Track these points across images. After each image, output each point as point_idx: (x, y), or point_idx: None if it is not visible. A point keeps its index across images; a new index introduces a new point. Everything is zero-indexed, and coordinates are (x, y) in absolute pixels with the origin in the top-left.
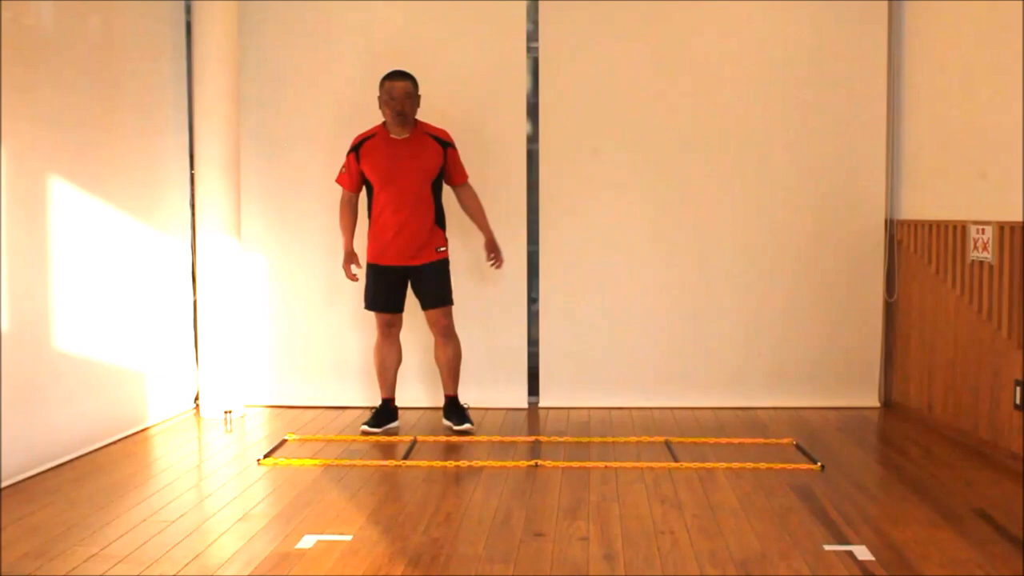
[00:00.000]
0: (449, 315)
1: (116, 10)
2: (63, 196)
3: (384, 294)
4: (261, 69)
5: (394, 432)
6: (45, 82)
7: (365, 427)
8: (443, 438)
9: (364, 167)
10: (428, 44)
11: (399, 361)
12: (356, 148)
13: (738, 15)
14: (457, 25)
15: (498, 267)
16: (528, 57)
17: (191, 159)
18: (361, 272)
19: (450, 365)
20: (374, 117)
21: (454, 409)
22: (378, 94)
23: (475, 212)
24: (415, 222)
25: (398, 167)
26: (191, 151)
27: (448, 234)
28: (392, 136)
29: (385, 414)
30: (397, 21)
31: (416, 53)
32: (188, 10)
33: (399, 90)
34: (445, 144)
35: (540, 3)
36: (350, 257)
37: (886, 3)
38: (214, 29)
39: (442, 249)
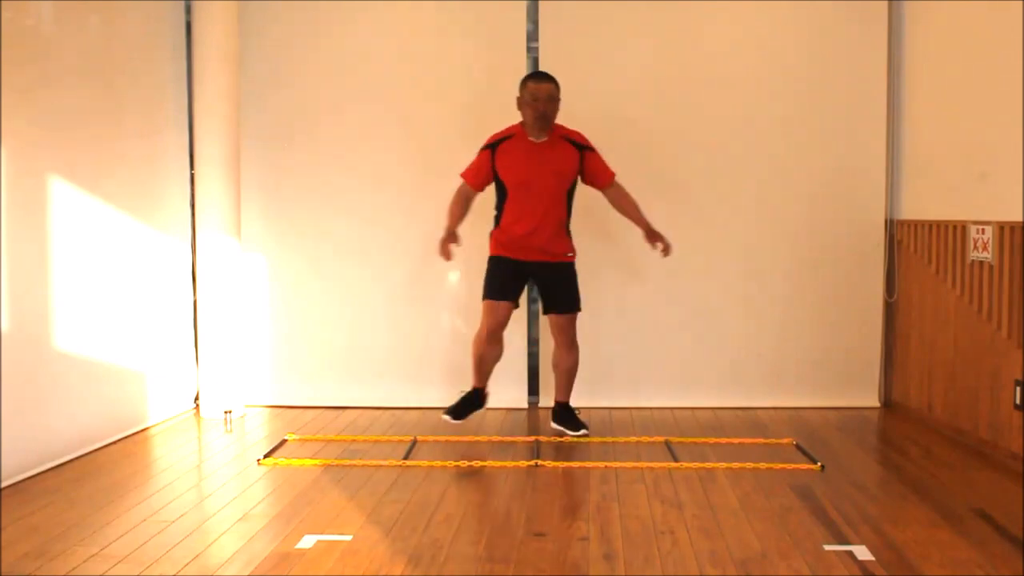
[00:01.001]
0: (575, 322)
1: (116, 10)
2: (63, 196)
3: (511, 283)
4: (261, 69)
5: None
6: (45, 82)
7: (447, 418)
8: (443, 438)
9: (499, 167)
10: (428, 44)
11: (501, 354)
12: (493, 146)
13: (738, 15)
14: (457, 25)
15: (667, 254)
16: (528, 57)
17: (191, 159)
18: (458, 251)
19: (569, 372)
20: (375, 117)
21: (568, 415)
22: (518, 94)
23: (629, 210)
24: (547, 228)
25: (535, 171)
26: (191, 151)
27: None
28: (530, 139)
29: (475, 401)
30: (397, 21)
31: (416, 53)
32: (188, 10)
33: (543, 92)
34: (582, 148)
35: (540, 3)
36: (452, 236)
37: (886, 3)
38: (214, 29)
39: (570, 255)
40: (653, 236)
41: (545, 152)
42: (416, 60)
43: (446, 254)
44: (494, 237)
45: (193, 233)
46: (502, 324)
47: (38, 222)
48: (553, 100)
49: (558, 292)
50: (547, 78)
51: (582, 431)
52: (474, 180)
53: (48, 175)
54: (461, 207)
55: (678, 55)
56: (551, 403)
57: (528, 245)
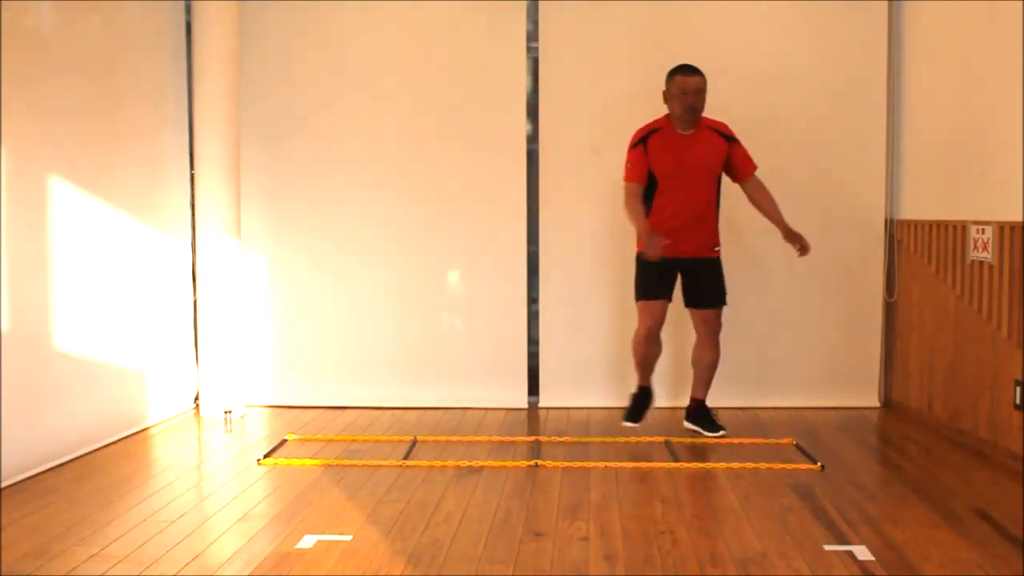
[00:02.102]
0: (719, 317)
1: (116, 10)
2: (63, 196)
3: (662, 280)
4: (261, 69)
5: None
6: (45, 82)
7: (627, 423)
8: (443, 438)
9: (653, 161)
10: (428, 44)
11: (661, 351)
12: (643, 140)
13: (738, 15)
14: (457, 25)
15: (804, 253)
16: (528, 57)
17: (191, 159)
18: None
19: (710, 368)
20: (375, 117)
21: (704, 414)
22: (665, 87)
23: (766, 206)
24: (699, 220)
25: (685, 163)
26: (191, 151)
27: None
28: (678, 131)
29: (645, 400)
30: (397, 21)
31: (416, 53)
32: (188, 10)
33: (692, 85)
34: (729, 138)
35: (540, 3)
36: (655, 233)
37: (886, 3)
38: (214, 29)
39: (717, 248)
40: (792, 236)
41: (693, 144)
42: (416, 60)
43: (658, 249)
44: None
45: (193, 233)
46: (659, 323)
47: (38, 222)
48: (701, 93)
49: (703, 286)
50: (695, 71)
51: (720, 432)
52: (639, 177)
53: (48, 175)
54: (640, 206)
55: (678, 55)
56: (551, 403)
57: (681, 240)
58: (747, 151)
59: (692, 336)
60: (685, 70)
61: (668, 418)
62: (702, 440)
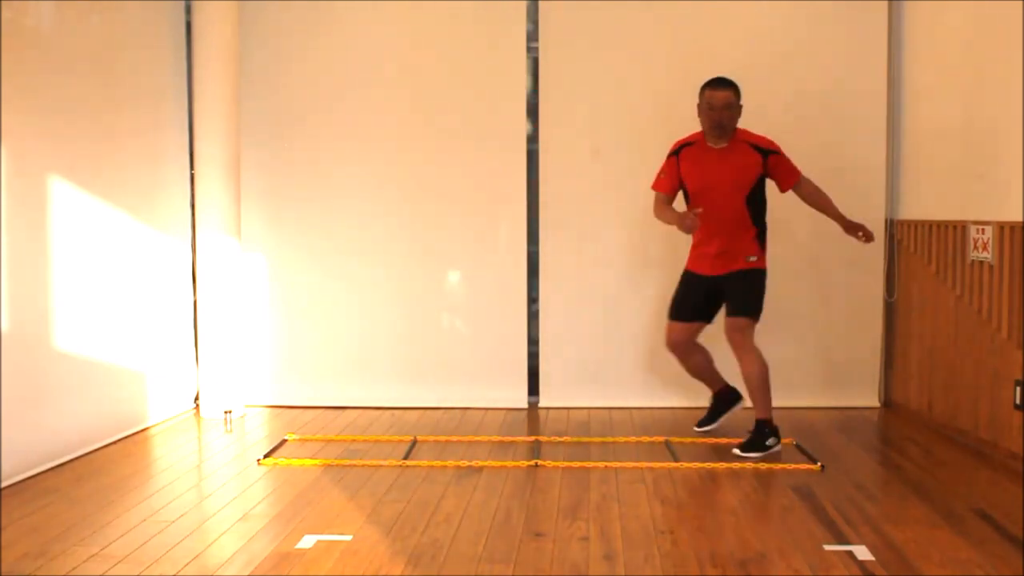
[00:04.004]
0: (743, 328)
1: (116, 10)
2: (63, 196)
3: (690, 301)
4: (261, 69)
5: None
6: (45, 82)
7: (697, 428)
8: (443, 438)
9: (683, 173)
10: (428, 44)
11: (708, 358)
12: (676, 152)
13: (738, 15)
14: (457, 25)
15: (869, 240)
16: (528, 57)
17: (191, 159)
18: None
19: (750, 385)
20: (375, 117)
21: (756, 432)
22: (697, 101)
23: (824, 205)
24: (727, 236)
25: (712, 178)
26: (191, 151)
27: None
28: (709, 144)
29: (719, 404)
30: (397, 21)
31: (416, 53)
32: (188, 10)
33: (719, 100)
34: (766, 152)
35: (540, 3)
36: (687, 213)
37: (886, 3)
38: (214, 29)
39: (752, 259)
40: (852, 227)
41: (724, 158)
42: (416, 60)
43: (694, 221)
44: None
45: (193, 233)
46: (679, 343)
47: (38, 222)
48: (730, 107)
49: (732, 296)
50: (725, 85)
51: (751, 454)
52: (668, 187)
53: (48, 174)
54: (669, 207)
55: (678, 55)
56: (551, 403)
57: (714, 257)
58: (789, 161)
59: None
60: (714, 84)
61: (668, 418)
62: (702, 440)
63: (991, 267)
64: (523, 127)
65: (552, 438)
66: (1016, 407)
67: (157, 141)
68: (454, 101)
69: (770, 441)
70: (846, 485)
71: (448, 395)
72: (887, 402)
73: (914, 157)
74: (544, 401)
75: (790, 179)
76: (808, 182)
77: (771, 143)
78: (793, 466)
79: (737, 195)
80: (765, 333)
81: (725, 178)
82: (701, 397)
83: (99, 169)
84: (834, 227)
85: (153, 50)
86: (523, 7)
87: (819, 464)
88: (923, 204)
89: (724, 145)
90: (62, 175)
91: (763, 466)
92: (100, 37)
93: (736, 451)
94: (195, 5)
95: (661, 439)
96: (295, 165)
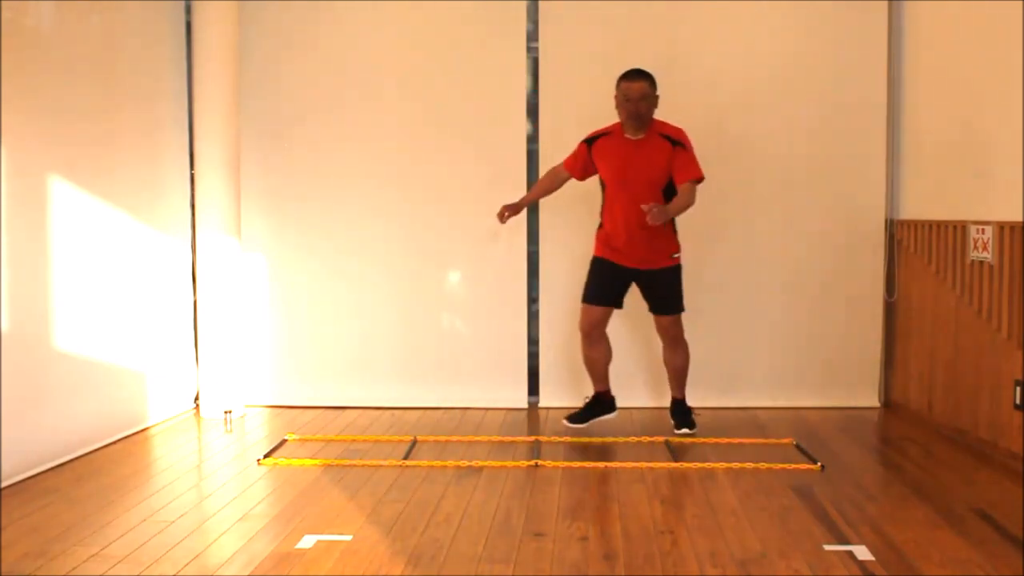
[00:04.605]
0: (679, 323)
1: (116, 10)
2: (63, 195)
3: (607, 286)
4: (261, 69)
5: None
6: (45, 82)
7: (568, 423)
8: (443, 438)
9: (597, 164)
10: (428, 44)
11: (609, 355)
12: (589, 141)
13: (738, 15)
14: (457, 25)
15: (653, 219)
16: (528, 57)
17: (191, 159)
18: (514, 220)
19: (678, 371)
20: (375, 117)
21: (678, 411)
22: (615, 92)
23: (676, 209)
24: (647, 228)
25: (630, 169)
26: (191, 151)
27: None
28: (627, 136)
29: (597, 406)
30: (397, 21)
31: (416, 53)
32: (188, 10)
33: (635, 91)
34: (675, 143)
35: (540, 3)
36: (515, 207)
37: (886, 3)
38: (214, 29)
39: (676, 255)
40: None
41: (640, 149)
42: (416, 60)
43: (501, 217)
44: (598, 237)
45: (193, 233)
46: (595, 326)
47: (38, 221)
48: (647, 98)
49: (662, 295)
50: (640, 76)
51: (684, 430)
52: (570, 165)
53: (48, 174)
54: (545, 183)
55: (677, 55)
56: (551, 403)
57: (631, 250)
58: (693, 159)
59: (698, 342)
60: (629, 76)
61: (668, 418)
62: (702, 440)
63: (991, 267)
64: (523, 127)
65: (552, 438)
66: (1016, 407)
67: (157, 141)
68: (454, 101)
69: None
70: (846, 485)
71: (448, 395)
72: (887, 402)
73: (914, 157)
74: (544, 401)
75: (682, 176)
76: (689, 187)
77: (683, 136)
78: (793, 466)
79: (655, 187)
80: (765, 333)
81: (642, 169)
82: (701, 397)
83: (99, 169)
84: (834, 227)
85: (153, 50)
86: (523, 7)
87: (819, 464)
88: (923, 204)
89: (641, 136)
90: (62, 175)
91: (763, 466)
92: (100, 37)
93: (676, 432)
94: (195, 5)
95: (661, 439)
96: (295, 165)
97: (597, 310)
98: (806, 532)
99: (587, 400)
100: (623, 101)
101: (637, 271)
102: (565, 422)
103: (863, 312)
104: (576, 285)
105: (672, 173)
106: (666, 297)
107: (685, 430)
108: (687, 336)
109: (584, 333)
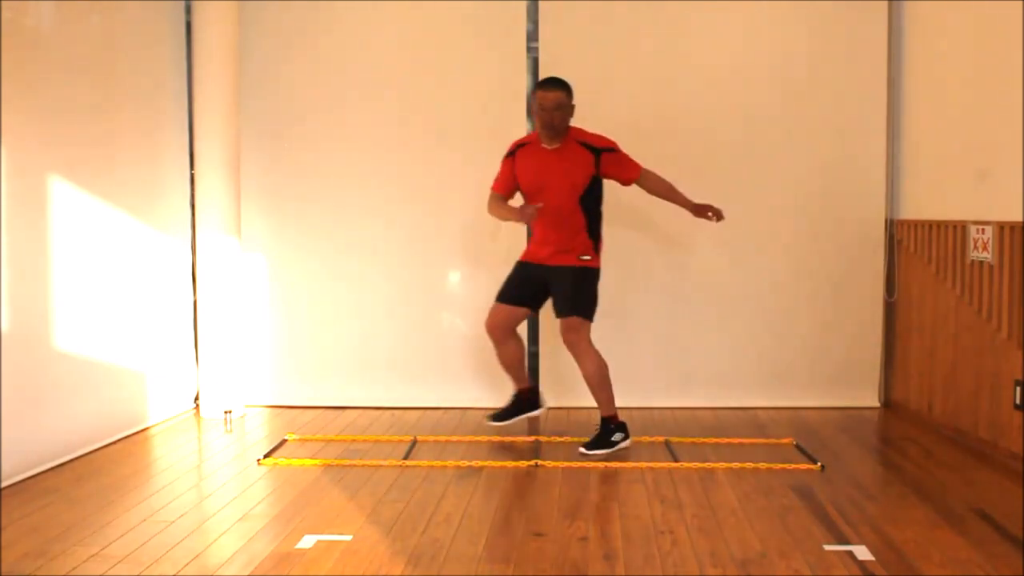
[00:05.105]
0: (576, 328)
1: (116, 10)
2: (63, 195)
3: (517, 287)
4: (261, 69)
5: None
6: (45, 81)
7: (490, 422)
8: (443, 438)
9: (518, 173)
10: (428, 44)
11: (520, 353)
12: (512, 153)
13: (738, 15)
14: (457, 25)
15: (719, 219)
16: (528, 57)
17: (191, 159)
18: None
19: (590, 384)
20: (375, 117)
21: (598, 433)
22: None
23: (665, 192)
24: (561, 235)
25: (546, 178)
26: (191, 151)
27: None
28: (543, 145)
29: (518, 405)
30: (397, 21)
31: (416, 53)
32: (188, 10)
33: (550, 101)
34: (598, 151)
35: (540, 3)
36: (525, 207)
37: (886, 3)
38: (214, 29)
39: (586, 258)
40: (700, 209)
41: (557, 158)
42: (416, 60)
43: (533, 210)
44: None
45: (193, 233)
46: (496, 326)
47: (38, 222)
48: (561, 107)
49: (562, 295)
50: (555, 85)
51: (593, 451)
52: (501, 187)
53: (48, 174)
54: (504, 205)
55: (678, 55)
56: (551, 403)
57: (545, 253)
58: (624, 156)
59: (698, 342)
60: (544, 85)
61: (667, 418)
62: (702, 440)
63: (991, 267)
64: (523, 127)
65: (552, 438)
66: (1016, 407)
67: (157, 141)
68: (454, 101)
69: (616, 437)
70: (846, 485)
71: (448, 395)
72: (887, 402)
73: (914, 157)
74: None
75: (629, 174)
76: (650, 175)
77: (606, 140)
78: (793, 466)
79: (570, 196)
80: (765, 333)
81: (557, 178)
82: (702, 397)
83: (99, 169)
84: (833, 227)
85: (153, 50)
86: (523, 7)
87: (819, 464)
88: (923, 204)
89: (557, 145)
90: (62, 175)
91: (763, 466)
92: (100, 37)
93: (581, 450)
94: (195, 5)
95: (661, 439)
96: (295, 165)
97: (501, 308)
98: (806, 532)
99: (512, 399)
100: (538, 110)
101: (545, 267)
102: (488, 421)
103: (863, 312)
104: None
105: (616, 177)
106: (567, 296)
107: (596, 451)
108: (701, 333)
109: (487, 331)
